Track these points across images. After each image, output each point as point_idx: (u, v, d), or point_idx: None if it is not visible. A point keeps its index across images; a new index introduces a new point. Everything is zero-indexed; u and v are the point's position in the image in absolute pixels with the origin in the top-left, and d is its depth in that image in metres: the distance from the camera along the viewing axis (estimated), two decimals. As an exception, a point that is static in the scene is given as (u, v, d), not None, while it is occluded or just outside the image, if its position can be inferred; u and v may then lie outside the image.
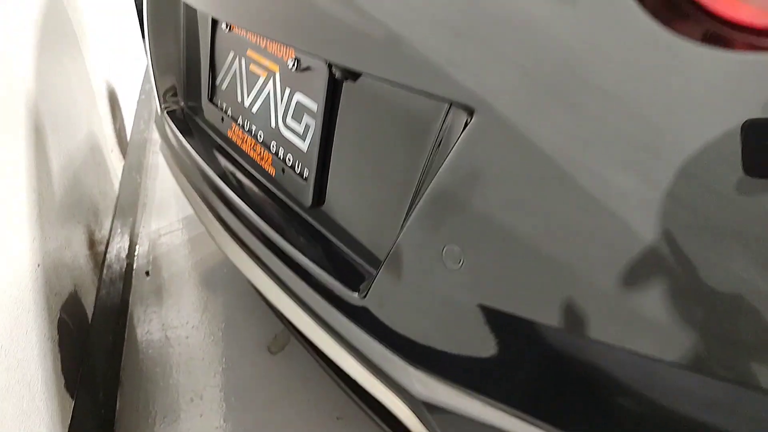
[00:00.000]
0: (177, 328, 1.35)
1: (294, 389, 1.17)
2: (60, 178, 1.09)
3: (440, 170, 0.46)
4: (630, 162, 0.37)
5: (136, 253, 1.57)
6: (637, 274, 0.39)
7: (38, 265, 0.89)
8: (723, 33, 0.35)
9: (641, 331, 0.39)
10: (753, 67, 0.33)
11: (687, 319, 0.37)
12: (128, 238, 1.53)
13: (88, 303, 1.13)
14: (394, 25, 0.48)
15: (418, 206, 0.50)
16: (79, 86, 1.37)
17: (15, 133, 0.90)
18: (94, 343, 1.09)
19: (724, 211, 0.35)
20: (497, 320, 0.47)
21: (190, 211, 1.74)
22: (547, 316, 0.43)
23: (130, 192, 1.69)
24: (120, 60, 1.99)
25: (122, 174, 1.67)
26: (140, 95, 2.25)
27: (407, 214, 0.56)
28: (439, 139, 0.53)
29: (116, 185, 1.56)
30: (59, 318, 0.94)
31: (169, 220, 1.75)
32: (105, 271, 1.30)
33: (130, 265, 1.50)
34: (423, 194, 0.49)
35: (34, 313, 0.84)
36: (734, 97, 0.34)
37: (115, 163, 1.61)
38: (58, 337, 0.91)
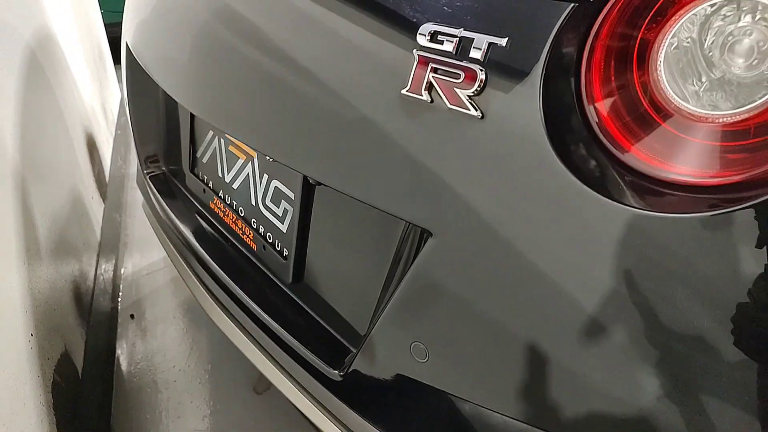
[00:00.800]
0: (164, 372, 1.39)
1: (281, 429, 1.23)
2: (46, 240, 1.13)
3: (403, 281, 0.53)
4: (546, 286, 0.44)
5: (119, 297, 1.61)
6: (585, 371, 0.46)
7: (31, 335, 0.93)
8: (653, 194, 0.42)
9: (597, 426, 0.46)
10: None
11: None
12: (112, 282, 1.57)
13: (78, 358, 1.18)
14: (360, 152, 0.54)
15: (387, 307, 0.56)
16: (57, 134, 1.41)
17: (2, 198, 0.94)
18: (86, 397, 1.13)
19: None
20: (461, 407, 0.54)
21: (171, 249, 1.78)
22: (498, 405, 0.51)
23: (112, 233, 1.72)
24: (94, 97, 2.02)
25: (103, 216, 1.70)
26: (116, 131, 2.28)
27: (378, 304, 0.63)
28: (405, 236, 0.60)
29: (98, 231, 1.60)
30: (53, 381, 0.98)
31: (151, 259, 1.78)
32: (91, 320, 1.34)
33: (114, 309, 1.54)
34: (391, 298, 0.56)
35: (31, 384, 0.88)
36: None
37: (96, 209, 1.64)
38: (53, 401, 0.96)
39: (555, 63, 0.44)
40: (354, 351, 0.63)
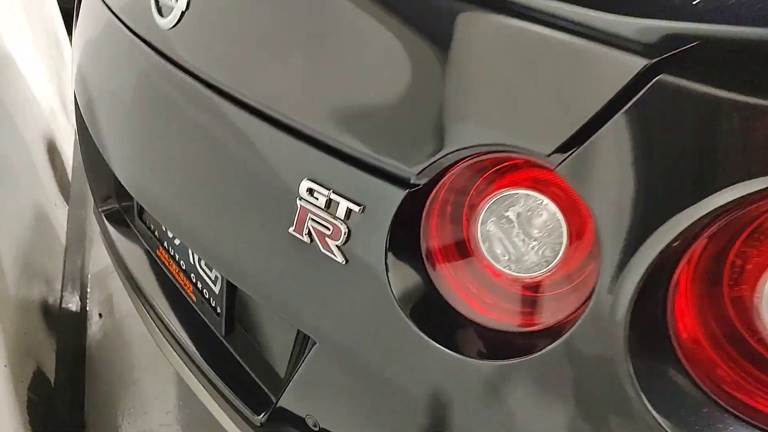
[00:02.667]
0: (132, 369, 1.54)
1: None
2: (11, 266, 1.25)
3: (295, 375, 0.67)
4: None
5: (87, 296, 1.74)
6: None
7: (5, 366, 1.06)
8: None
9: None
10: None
11: None
12: (79, 284, 1.69)
13: (50, 368, 1.32)
14: (262, 271, 0.67)
15: (288, 387, 0.71)
16: (10, 145, 1.48)
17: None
18: (59, 403, 1.28)
19: None
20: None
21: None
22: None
23: (77, 234, 1.82)
24: (52, 95, 2.06)
25: (68, 218, 1.80)
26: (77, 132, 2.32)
27: (287, 373, 0.77)
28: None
29: (63, 237, 1.70)
30: (28, 400, 1.13)
31: (117, 255, 1.90)
32: (61, 327, 1.47)
33: (83, 309, 1.67)
34: (292, 378, 0.70)
35: (8, 411, 1.02)
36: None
37: (60, 214, 1.74)
38: (29, 419, 1.10)
39: (398, 225, 0.56)
40: (269, 410, 0.78)
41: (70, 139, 2.16)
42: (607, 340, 0.46)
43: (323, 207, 0.59)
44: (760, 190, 0.39)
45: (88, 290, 1.76)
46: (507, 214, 0.54)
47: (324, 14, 0.60)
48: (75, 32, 1.22)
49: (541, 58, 0.47)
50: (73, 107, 2.30)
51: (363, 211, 0.57)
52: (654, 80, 0.42)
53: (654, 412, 0.45)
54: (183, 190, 0.78)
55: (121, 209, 1.18)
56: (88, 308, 1.70)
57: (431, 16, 0.52)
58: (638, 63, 0.42)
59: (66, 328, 1.49)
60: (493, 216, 0.55)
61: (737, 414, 0.46)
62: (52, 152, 1.83)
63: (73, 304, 1.60)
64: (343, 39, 0.58)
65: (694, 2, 0.42)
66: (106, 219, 1.17)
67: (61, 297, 1.55)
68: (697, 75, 0.41)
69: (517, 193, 0.53)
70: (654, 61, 0.42)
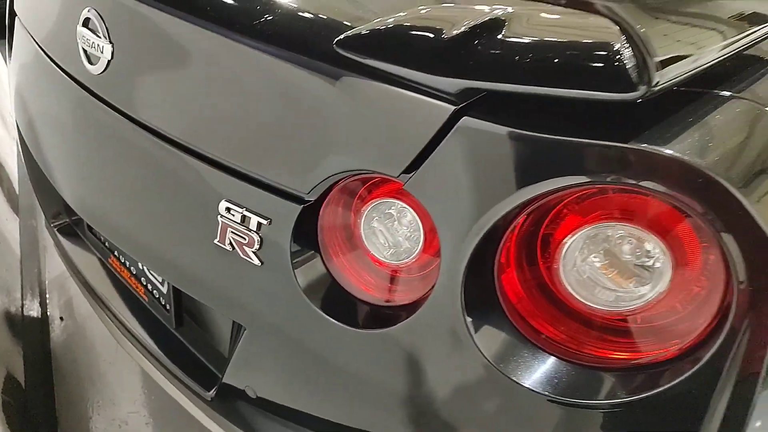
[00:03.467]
0: (97, 365, 1.67)
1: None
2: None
3: (233, 355, 0.83)
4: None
5: (47, 303, 1.84)
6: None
7: (-21, 374, 1.18)
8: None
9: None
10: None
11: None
12: (38, 292, 1.79)
13: (20, 373, 1.43)
14: (195, 273, 0.82)
15: (229, 365, 0.86)
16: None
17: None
18: (32, 402, 1.41)
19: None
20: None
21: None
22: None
23: (31, 243, 1.91)
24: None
25: (20, 230, 1.88)
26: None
27: (229, 352, 0.92)
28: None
29: (17, 248, 1.79)
30: (2, 403, 1.25)
31: (71, 260, 2.00)
32: (25, 334, 1.58)
33: (44, 315, 1.77)
34: (231, 357, 0.86)
35: (-14, 412, 1.15)
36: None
37: (11, 227, 1.82)
38: (5, 419, 1.23)
39: (299, 231, 0.72)
40: (216, 386, 0.93)
41: (12, 150, 2.21)
42: (452, 304, 0.64)
43: (239, 222, 0.74)
44: (553, 189, 0.56)
45: (47, 296, 1.86)
46: (384, 215, 0.71)
47: (229, 69, 0.74)
48: (11, 57, 1.31)
49: (384, 107, 0.63)
50: (12, 119, 2.33)
51: (270, 223, 0.72)
52: (461, 119, 0.58)
53: (484, 353, 0.63)
54: (123, 211, 0.91)
55: (71, 223, 1.30)
56: (49, 313, 1.80)
57: (313, 78, 0.67)
58: (449, 108, 0.59)
59: (30, 333, 1.60)
60: (373, 217, 0.71)
61: (542, 348, 0.64)
62: (-3, 169, 1.90)
63: (34, 310, 1.70)
64: (245, 90, 0.73)
65: (481, 65, 0.58)
66: (59, 232, 1.29)
67: (22, 305, 1.65)
68: (488, 115, 0.58)
69: (387, 201, 0.70)
70: (459, 107, 0.58)
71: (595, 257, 0.63)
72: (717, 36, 0.56)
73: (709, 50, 0.54)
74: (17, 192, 2.04)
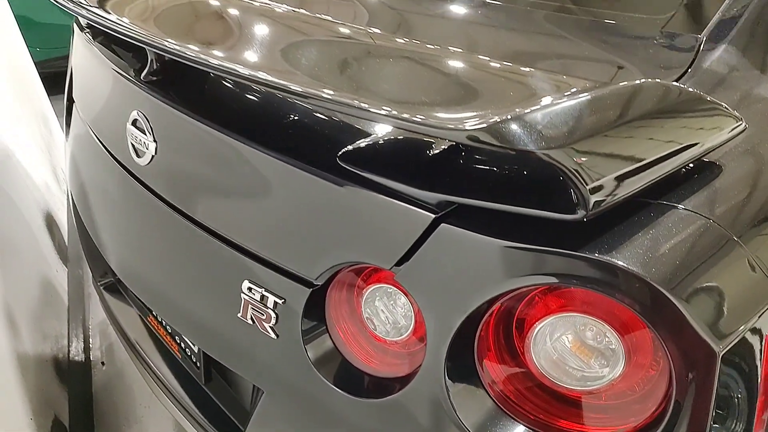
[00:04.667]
0: (135, 408, 1.80)
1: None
2: (28, 333, 1.50)
3: (254, 411, 0.94)
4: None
5: (90, 348, 1.99)
6: None
7: (30, 419, 1.32)
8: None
9: None
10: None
11: None
12: (83, 338, 1.94)
13: (65, 416, 1.57)
14: (221, 341, 0.94)
15: (250, 420, 0.97)
16: (14, 224, 1.74)
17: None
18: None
19: None
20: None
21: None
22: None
23: (77, 292, 2.08)
24: (45, 169, 2.32)
25: (68, 280, 2.05)
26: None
27: (251, 408, 1.03)
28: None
29: (65, 297, 1.96)
30: (50, 445, 1.38)
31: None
32: (71, 379, 1.72)
33: (87, 360, 1.92)
34: (253, 414, 0.97)
35: (36, 455, 1.28)
36: None
37: (61, 278, 1.99)
38: (52, 460, 1.36)
39: (309, 310, 0.83)
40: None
41: (63, 204, 2.41)
42: (437, 378, 0.73)
43: (259, 300, 0.86)
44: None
45: (90, 342, 2.02)
46: (382, 297, 0.82)
47: (251, 174, 0.87)
48: (67, 133, 1.48)
49: (380, 212, 0.74)
50: (62, 174, 2.54)
51: (285, 302, 0.84)
52: (440, 225, 0.69)
53: (465, 424, 0.73)
54: (160, 281, 1.05)
55: (116, 282, 1.45)
56: (92, 358, 1.95)
57: (322, 185, 0.79)
58: (430, 216, 0.70)
59: (75, 378, 1.74)
60: (373, 298, 0.82)
61: (519, 420, 0.73)
62: (50, 222, 2.09)
63: (79, 355, 1.85)
64: (265, 192, 0.86)
65: (454, 183, 0.69)
66: (104, 290, 1.43)
67: (69, 351, 1.80)
68: (463, 223, 0.69)
69: (384, 286, 0.81)
70: (439, 214, 0.70)
71: (563, 340, 0.72)
72: (654, 155, 0.65)
73: (647, 171, 0.64)
74: (66, 243, 2.22)
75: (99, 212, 1.25)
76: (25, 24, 2.85)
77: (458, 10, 1.16)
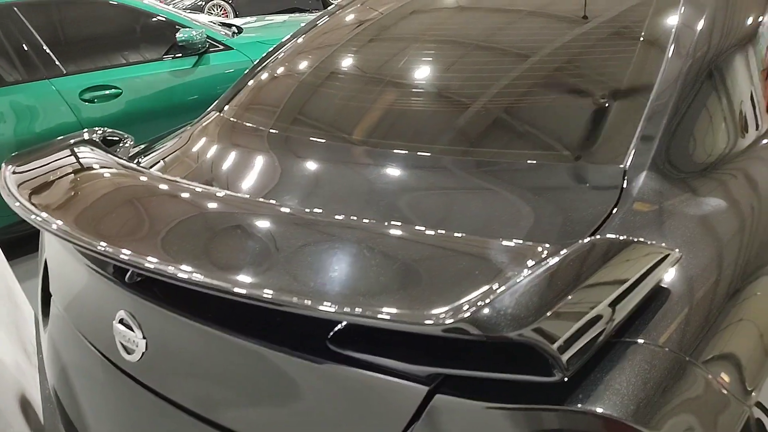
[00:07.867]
0: None
1: None
2: None
3: None
4: None
5: None
6: None
7: None
8: None
9: None
10: None
11: None
12: None
13: None
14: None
15: None
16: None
17: None
18: None
19: None
20: None
21: None
22: None
23: None
24: (15, 348, 2.27)
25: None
26: (38, 354, 2.51)
27: None
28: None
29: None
30: None
31: None
32: None
33: None
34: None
35: None
36: None
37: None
38: None
39: None
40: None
41: (35, 381, 2.33)
42: None
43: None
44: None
45: None
46: None
47: (232, 363, 0.91)
48: (45, 325, 1.49)
49: (369, 396, 0.79)
50: (31, 347, 2.47)
51: None
52: (434, 396, 0.75)
53: None
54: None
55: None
56: None
57: (313, 373, 0.84)
58: (424, 389, 0.75)
59: None
60: None
61: None
62: (25, 406, 2.01)
63: None
64: (249, 379, 0.90)
65: (441, 359, 0.75)
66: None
67: None
68: (455, 391, 0.74)
69: None
70: (432, 386, 0.75)
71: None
72: (611, 309, 0.73)
73: (608, 325, 0.71)
74: (42, 422, 2.13)
75: (83, 403, 1.24)
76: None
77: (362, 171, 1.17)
